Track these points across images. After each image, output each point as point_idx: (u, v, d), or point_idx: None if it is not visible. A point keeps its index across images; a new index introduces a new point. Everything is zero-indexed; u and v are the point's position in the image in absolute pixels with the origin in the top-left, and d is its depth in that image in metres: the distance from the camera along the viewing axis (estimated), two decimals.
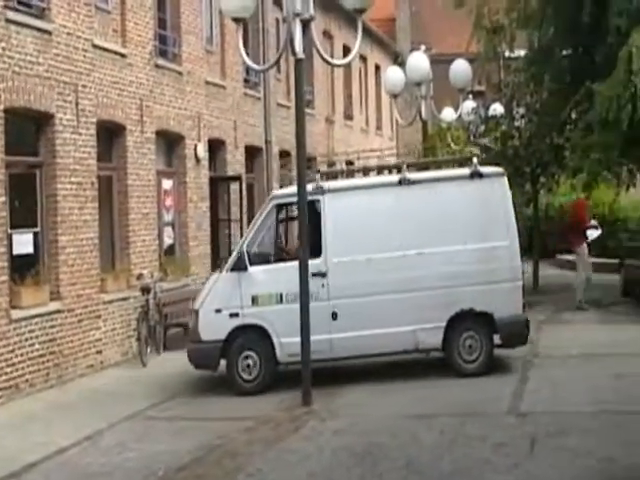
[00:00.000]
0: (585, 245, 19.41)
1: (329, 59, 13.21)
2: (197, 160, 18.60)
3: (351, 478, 8.45)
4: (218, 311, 12.76)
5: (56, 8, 13.71)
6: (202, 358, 12.83)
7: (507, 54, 22.90)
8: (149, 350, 15.33)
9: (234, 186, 20.32)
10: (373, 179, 14.10)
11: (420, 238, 12.87)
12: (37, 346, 13.00)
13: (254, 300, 12.77)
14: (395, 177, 13.61)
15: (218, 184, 20.10)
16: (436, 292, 12.66)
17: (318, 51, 11.78)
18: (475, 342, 12.85)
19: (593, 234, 19.95)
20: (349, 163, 30.42)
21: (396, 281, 12.72)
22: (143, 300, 15.54)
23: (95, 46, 14.81)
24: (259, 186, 22.59)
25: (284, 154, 23.22)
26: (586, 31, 18.22)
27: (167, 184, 17.82)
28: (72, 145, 14.07)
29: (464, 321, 12.82)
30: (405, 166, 13.63)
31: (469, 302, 12.77)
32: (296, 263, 12.14)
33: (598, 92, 17.18)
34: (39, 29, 13.31)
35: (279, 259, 13.39)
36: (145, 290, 15.56)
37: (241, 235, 20.17)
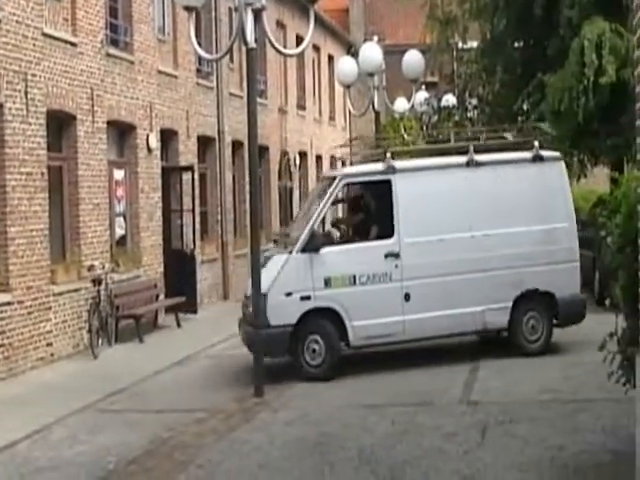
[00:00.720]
0: None
1: (281, 49, 13.15)
2: (149, 150, 18.45)
3: (302, 469, 8.43)
4: (288, 294, 12.32)
5: None
6: (269, 344, 12.10)
7: (460, 45, 23.08)
8: (100, 342, 15.21)
9: (186, 176, 20.18)
10: (442, 160, 13.65)
11: (487, 219, 12.95)
12: None
13: (327, 282, 12.42)
14: (463, 158, 13.34)
15: (170, 174, 19.96)
16: (503, 272, 12.83)
17: (270, 41, 11.72)
18: (537, 322, 13.16)
19: None
20: (302, 153, 30.47)
21: (466, 262, 12.77)
22: (94, 291, 15.41)
23: (45, 35, 14.60)
24: (212, 176, 22.47)
25: (237, 144, 23.11)
26: (538, 23, 18.47)
27: (119, 174, 17.65)
28: (21, 135, 13.86)
29: (528, 301, 13.07)
30: (472, 148, 13.40)
31: (533, 282, 13.04)
32: (369, 244, 12.60)
33: (550, 84, 17.44)
34: None
35: (347, 240, 13.35)
36: (96, 281, 15.44)
37: (193, 225, 20.16)
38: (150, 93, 18.57)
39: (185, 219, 20.13)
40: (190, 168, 20.28)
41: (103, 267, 15.86)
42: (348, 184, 13.34)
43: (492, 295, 12.77)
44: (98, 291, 15.45)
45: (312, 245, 12.38)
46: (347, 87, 21.21)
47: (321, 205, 12.89)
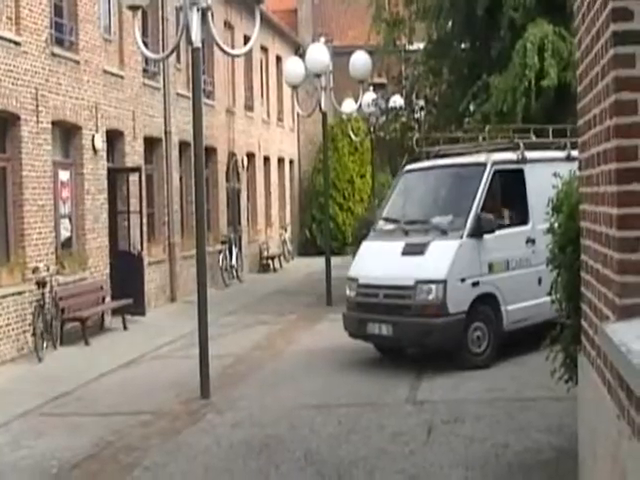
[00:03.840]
0: None
1: (227, 49, 13.09)
2: (95, 151, 18.30)
3: (248, 471, 8.39)
4: (463, 280, 12.20)
5: None
6: (449, 333, 12.07)
7: (407, 47, 23.15)
8: (45, 345, 15.04)
9: (133, 177, 20.05)
10: (555, 153, 13.88)
11: None
12: None
13: (490, 268, 12.53)
14: (563, 153, 13.60)
15: (116, 175, 19.82)
16: None
17: (215, 41, 11.67)
18: None
19: None
20: (250, 155, 30.41)
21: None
22: (39, 294, 15.25)
23: None
24: (158, 177, 22.35)
25: (184, 145, 22.99)
26: (482, 25, 18.62)
27: (64, 175, 17.48)
28: None
29: None
30: (522, 145, 13.64)
31: None
32: (516, 229, 12.99)
33: (494, 85, 17.60)
34: None
35: (498, 226, 13.17)
36: (41, 284, 15.28)
37: (140, 226, 20.00)
38: (96, 93, 18.41)
39: (132, 220, 20.00)
40: (137, 169, 20.15)
41: (48, 269, 15.71)
42: (497, 171, 13.16)
43: None
44: (43, 293, 15.28)
45: (478, 230, 12.42)
46: (295, 88, 21.27)
47: (480, 191, 12.78)
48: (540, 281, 12.30)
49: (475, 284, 12.33)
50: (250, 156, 30.70)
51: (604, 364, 4.81)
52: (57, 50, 16.87)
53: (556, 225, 7.48)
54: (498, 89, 17.31)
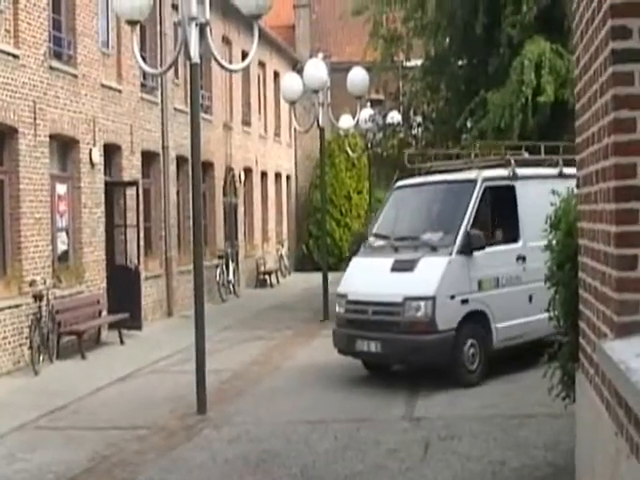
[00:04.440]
0: None
1: (224, 64, 13.12)
2: (92, 165, 18.30)
3: None
4: (452, 297, 12.04)
5: None
6: (438, 350, 11.92)
7: (404, 63, 23.23)
8: (42, 359, 15.01)
9: (130, 191, 20.06)
10: (547, 170, 13.91)
11: None
12: None
13: (480, 285, 12.40)
14: (555, 170, 13.70)
15: (114, 189, 19.82)
16: None
17: (214, 56, 11.69)
18: None
19: None
20: (247, 170, 30.44)
21: None
22: (35, 307, 15.22)
23: None
24: (156, 191, 22.35)
25: (181, 159, 23.01)
26: (480, 42, 18.70)
27: (61, 189, 17.49)
28: None
29: None
30: (513, 162, 13.55)
31: None
32: (506, 247, 12.86)
33: (492, 101, 17.66)
34: None
35: (488, 242, 12.90)
36: (38, 297, 15.26)
37: (137, 241, 19.99)
38: (93, 107, 18.43)
39: (129, 234, 20.00)
40: (134, 183, 20.16)
41: (45, 282, 15.69)
42: (488, 188, 13.01)
43: None
44: (39, 307, 15.26)
45: (467, 247, 12.27)
46: (292, 104, 21.28)
47: (470, 207, 12.66)
48: (531, 299, 12.43)
49: (464, 301, 12.19)
50: (247, 171, 30.72)
51: (602, 382, 4.81)
52: (55, 64, 16.90)
53: (554, 242, 7.48)
54: (495, 105, 17.37)
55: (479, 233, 12.42)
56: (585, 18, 5.29)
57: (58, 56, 17.32)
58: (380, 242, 13.56)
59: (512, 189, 13.30)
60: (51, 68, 16.65)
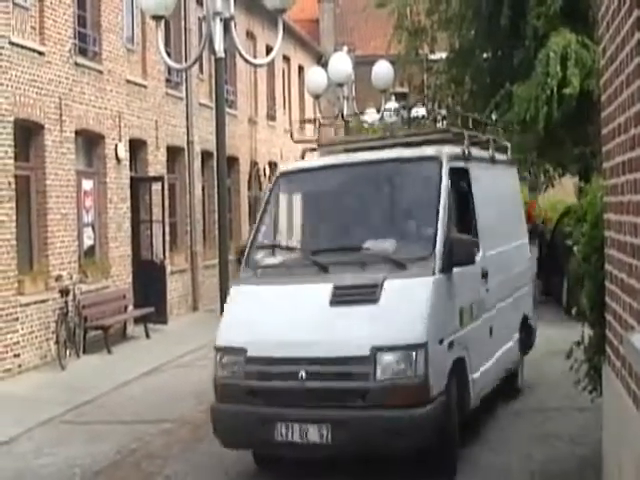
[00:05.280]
0: None
1: (249, 59, 13.10)
2: (118, 160, 18.37)
3: (271, 477, 8.39)
4: (441, 342, 7.75)
5: None
6: (429, 431, 7.41)
7: (429, 56, 23.15)
8: (68, 353, 15.10)
9: (156, 187, 20.12)
10: (482, 152, 10.30)
11: (504, 228, 10.42)
12: None
13: (461, 317, 8.38)
14: (487, 153, 10.44)
15: (139, 184, 19.89)
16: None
17: (238, 50, 11.67)
18: None
19: None
20: (272, 164, 30.45)
21: (514, 279, 10.76)
22: (62, 302, 15.31)
23: (12, 43, 14.53)
24: (181, 186, 22.41)
25: (206, 154, 23.05)
26: (505, 34, 18.61)
27: (87, 184, 17.56)
28: None
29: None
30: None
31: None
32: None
33: (517, 94, 17.57)
34: None
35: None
36: (64, 292, 15.34)
37: (163, 235, 20.05)
38: (119, 103, 18.50)
39: (154, 229, 20.06)
40: (159, 178, 20.22)
41: (71, 277, 15.78)
42: (451, 171, 8.78)
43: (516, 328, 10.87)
44: (66, 302, 15.35)
45: (450, 260, 8.11)
46: (317, 97, 21.24)
47: (441, 198, 8.41)
48: (491, 332, 9.35)
49: (450, 345, 7.96)
50: (272, 165, 30.74)
51: (629, 374, 4.78)
52: (80, 60, 16.97)
53: (580, 235, 7.42)
54: (520, 98, 17.27)
55: (466, 238, 8.54)
56: (611, 9, 5.25)
57: (83, 52, 17.39)
58: (280, 258, 9.15)
59: (466, 174, 9.32)
60: (76, 64, 16.72)
